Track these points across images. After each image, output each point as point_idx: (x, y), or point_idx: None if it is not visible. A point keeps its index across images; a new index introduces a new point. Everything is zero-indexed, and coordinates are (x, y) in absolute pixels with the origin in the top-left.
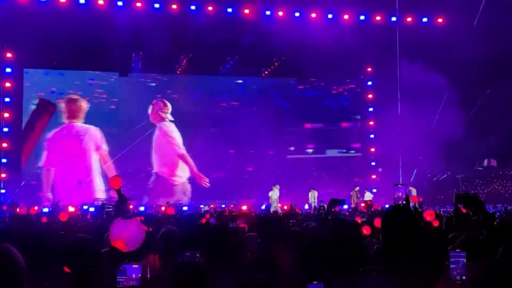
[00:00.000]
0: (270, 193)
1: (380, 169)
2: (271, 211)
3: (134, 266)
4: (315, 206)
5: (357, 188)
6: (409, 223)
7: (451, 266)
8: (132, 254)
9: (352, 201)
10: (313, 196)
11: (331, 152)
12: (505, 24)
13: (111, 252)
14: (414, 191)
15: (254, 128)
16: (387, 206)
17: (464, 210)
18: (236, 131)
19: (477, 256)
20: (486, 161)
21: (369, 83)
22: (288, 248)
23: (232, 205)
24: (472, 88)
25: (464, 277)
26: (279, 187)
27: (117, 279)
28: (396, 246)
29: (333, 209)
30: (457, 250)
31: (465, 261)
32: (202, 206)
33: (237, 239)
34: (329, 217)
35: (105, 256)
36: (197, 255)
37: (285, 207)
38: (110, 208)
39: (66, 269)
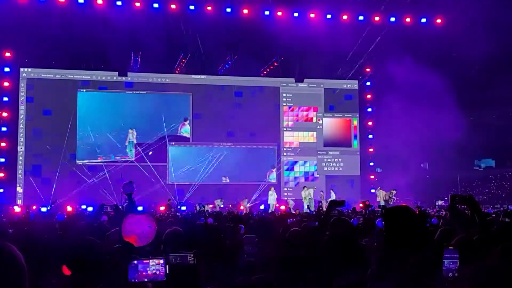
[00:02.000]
0: (269, 193)
1: (379, 169)
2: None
3: (158, 261)
4: (308, 205)
5: (394, 191)
6: (411, 224)
7: (444, 263)
8: (144, 249)
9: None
10: (309, 194)
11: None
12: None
13: (123, 247)
14: (382, 193)
15: (253, 127)
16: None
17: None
18: (235, 130)
19: (471, 256)
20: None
21: (368, 83)
22: (286, 249)
23: (230, 205)
24: (471, 88)
25: (456, 274)
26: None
27: (138, 274)
28: (398, 246)
29: (333, 211)
30: (450, 247)
31: (457, 259)
32: (198, 205)
33: (235, 241)
34: (329, 218)
35: (116, 252)
36: (191, 256)
37: (283, 207)
38: (109, 208)
39: (66, 271)
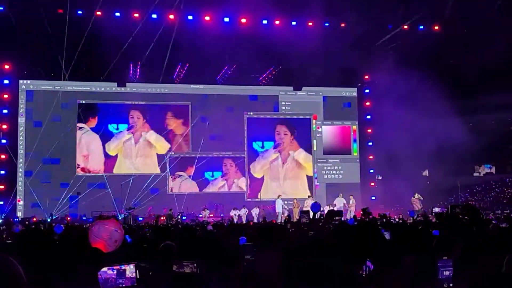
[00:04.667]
0: (276, 202)
1: (380, 177)
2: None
3: (130, 265)
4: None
5: (417, 195)
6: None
7: (440, 274)
8: (112, 255)
9: (415, 207)
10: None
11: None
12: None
13: (91, 254)
14: (351, 201)
15: (253, 135)
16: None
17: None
18: (235, 139)
19: (475, 262)
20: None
21: (366, 90)
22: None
23: (222, 214)
24: (470, 94)
25: (451, 285)
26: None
27: (117, 281)
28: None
29: (330, 220)
30: (444, 258)
31: (452, 269)
32: (200, 215)
33: (234, 249)
34: (326, 227)
35: (84, 259)
36: (195, 265)
37: (285, 215)
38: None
39: None
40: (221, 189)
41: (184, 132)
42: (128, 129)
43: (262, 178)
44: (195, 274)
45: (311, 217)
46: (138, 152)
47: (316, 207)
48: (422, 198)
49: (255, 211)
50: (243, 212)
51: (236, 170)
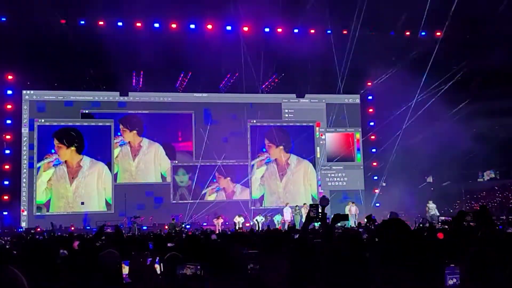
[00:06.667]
0: (284, 210)
1: (384, 184)
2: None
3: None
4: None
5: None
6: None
7: (448, 280)
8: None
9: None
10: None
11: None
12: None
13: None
14: (354, 208)
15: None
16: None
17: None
18: (238, 147)
19: (486, 268)
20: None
21: (369, 97)
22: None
23: (227, 223)
24: (474, 99)
25: None
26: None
27: None
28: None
29: (337, 224)
30: (451, 265)
31: (459, 275)
32: (205, 223)
33: (239, 256)
34: (333, 232)
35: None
36: (198, 267)
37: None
38: (110, 229)
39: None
40: (221, 198)
41: (187, 141)
42: (121, 145)
43: (262, 196)
44: (199, 275)
45: (320, 210)
46: (138, 164)
47: (324, 200)
48: (429, 206)
49: (277, 218)
50: (259, 219)
51: (229, 181)
